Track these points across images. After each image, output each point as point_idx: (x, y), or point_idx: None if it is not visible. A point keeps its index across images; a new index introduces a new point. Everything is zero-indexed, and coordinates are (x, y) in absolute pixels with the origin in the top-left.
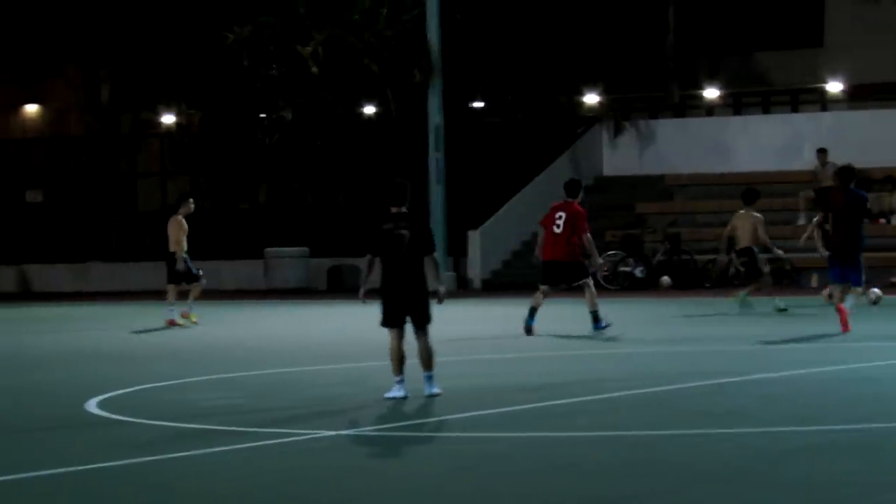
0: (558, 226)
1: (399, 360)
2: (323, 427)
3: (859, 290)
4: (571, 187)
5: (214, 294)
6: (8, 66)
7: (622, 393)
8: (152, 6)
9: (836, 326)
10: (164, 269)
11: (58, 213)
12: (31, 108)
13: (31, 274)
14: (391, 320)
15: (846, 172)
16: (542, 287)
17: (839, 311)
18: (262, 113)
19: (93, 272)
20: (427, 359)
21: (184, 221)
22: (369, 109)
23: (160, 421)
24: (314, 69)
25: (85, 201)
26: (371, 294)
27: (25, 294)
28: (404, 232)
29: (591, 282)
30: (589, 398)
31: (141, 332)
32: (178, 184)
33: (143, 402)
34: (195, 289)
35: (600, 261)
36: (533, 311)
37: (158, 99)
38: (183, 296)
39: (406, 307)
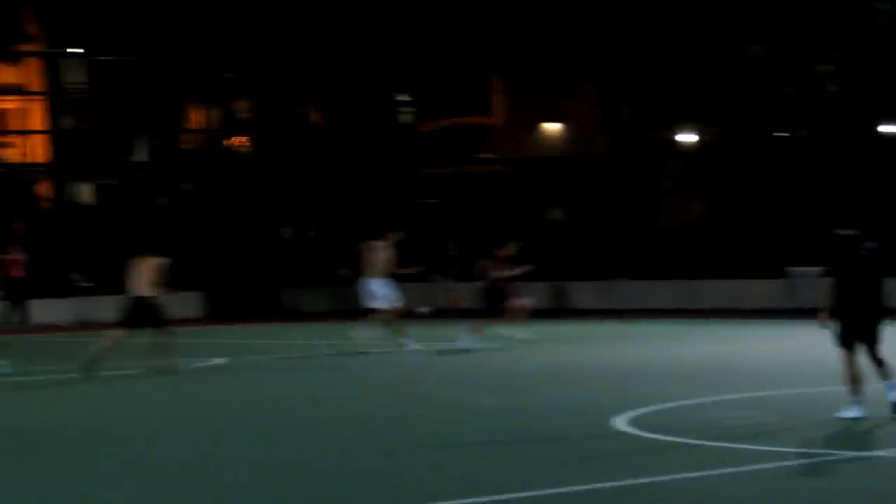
0: None
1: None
2: (855, 448)
3: None
4: None
5: (735, 313)
6: (528, 84)
7: None
8: (670, 28)
9: None
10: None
11: (581, 231)
12: (552, 127)
13: (567, 291)
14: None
15: None
16: None
17: None
18: (778, 132)
19: (617, 290)
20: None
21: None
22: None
23: (686, 439)
24: (832, 88)
25: (607, 220)
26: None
27: (558, 310)
28: (868, 249)
29: None
30: None
31: (662, 350)
32: (699, 203)
33: (670, 419)
34: None
35: None
36: None
37: (677, 118)
38: None
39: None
